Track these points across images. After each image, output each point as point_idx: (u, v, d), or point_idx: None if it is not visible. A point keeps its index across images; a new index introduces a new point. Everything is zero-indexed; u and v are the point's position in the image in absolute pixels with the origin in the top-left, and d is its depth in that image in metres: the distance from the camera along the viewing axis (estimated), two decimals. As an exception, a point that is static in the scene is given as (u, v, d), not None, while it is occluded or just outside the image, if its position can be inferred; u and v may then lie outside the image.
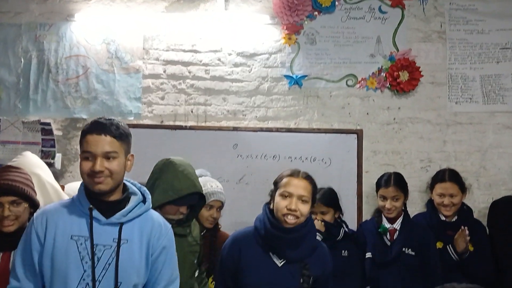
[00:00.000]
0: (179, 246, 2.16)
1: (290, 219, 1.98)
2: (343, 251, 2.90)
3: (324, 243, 2.80)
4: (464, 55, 3.56)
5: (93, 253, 1.71)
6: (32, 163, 2.27)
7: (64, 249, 1.71)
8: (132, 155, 1.86)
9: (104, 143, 1.73)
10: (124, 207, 1.80)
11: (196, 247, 2.33)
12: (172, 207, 2.21)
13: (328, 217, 2.94)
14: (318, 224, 2.89)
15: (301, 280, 1.96)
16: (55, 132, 3.38)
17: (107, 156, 1.73)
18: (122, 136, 1.78)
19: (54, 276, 1.70)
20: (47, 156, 3.29)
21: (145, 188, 1.93)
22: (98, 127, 1.75)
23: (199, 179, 2.86)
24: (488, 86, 3.54)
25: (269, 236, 2.01)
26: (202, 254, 2.45)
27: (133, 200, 1.84)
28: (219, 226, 2.84)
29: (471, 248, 2.85)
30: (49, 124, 3.35)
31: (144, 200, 1.89)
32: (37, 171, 2.25)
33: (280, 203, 2.01)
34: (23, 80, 3.43)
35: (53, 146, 3.34)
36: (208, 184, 2.77)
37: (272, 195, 2.10)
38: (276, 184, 2.11)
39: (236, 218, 3.23)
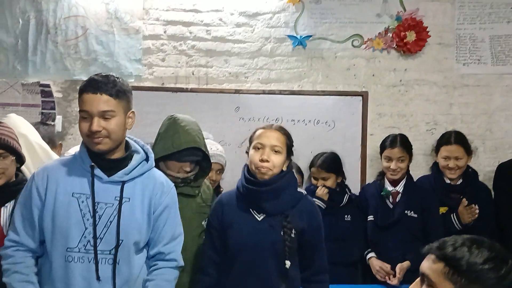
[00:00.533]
0: (187, 206, 2.19)
1: (262, 170, 1.98)
2: (345, 216, 2.92)
3: (327, 209, 2.84)
4: (473, 15, 3.47)
5: (94, 211, 1.71)
6: (17, 124, 2.20)
7: (65, 206, 1.71)
8: (133, 112, 1.82)
9: (100, 102, 1.69)
10: (127, 166, 1.79)
11: (205, 208, 2.31)
12: (174, 163, 2.19)
13: (329, 183, 2.94)
14: (321, 192, 2.89)
15: (282, 232, 1.96)
16: (55, 94, 3.36)
17: (104, 116, 1.69)
18: (119, 93, 1.72)
19: (55, 233, 1.70)
20: (47, 119, 3.29)
21: (148, 147, 1.92)
22: (94, 85, 1.70)
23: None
24: (498, 47, 3.46)
25: (246, 192, 2.02)
26: None
27: (136, 159, 1.83)
28: (221, 189, 2.84)
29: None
30: (48, 86, 3.33)
31: (147, 159, 1.87)
32: (23, 132, 2.18)
33: (254, 156, 2.01)
34: (22, 41, 3.37)
35: (53, 108, 3.33)
36: (208, 146, 2.76)
37: (248, 151, 2.11)
38: (250, 139, 2.11)
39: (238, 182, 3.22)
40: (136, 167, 1.81)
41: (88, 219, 1.71)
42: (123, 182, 1.77)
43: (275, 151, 1.99)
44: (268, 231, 1.99)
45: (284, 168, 2.05)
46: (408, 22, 3.40)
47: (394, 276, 2.64)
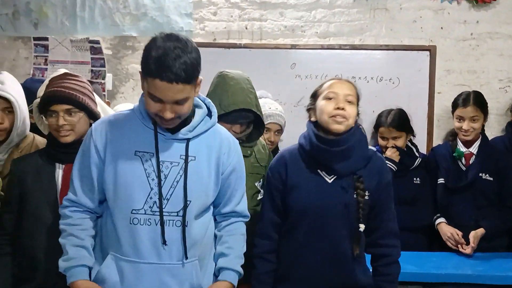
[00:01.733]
0: (244, 164, 2.08)
1: (339, 119, 1.84)
2: (414, 179, 2.78)
3: (396, 172, 2.70)
4: (555, -42, 3.19)
5: (159, 170, 1.62)
6: None
7: (128, 165, 1.62)
8: (201, 80, 1.65)
9: (175, 91, 1.52)
10: (190, 122, 1.69)
11: (259, 169, 2.22)
12: (223, 124, 2.04)
13: (400, 142, 2.79)
14: (392, 153, 2.75)
15: (355, 195, 1.85)
16: (105, 51, 3.32)
17: (178, 102, 1.56)
18: (193, 76, 1.55)
19: (117, 194, 1.62)
20: (97, 76, 3.25)
21: (209, 100, 1.81)
22: (168, 72, 1.49)
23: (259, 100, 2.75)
24: None
25: (315, 151, 1.87)
26: None
27: (199, 114, 1.72)
28: (278, 151, 2.73)
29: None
30: (98, 42, 3.29)
31: (209, 114, 1.77)
32: None
33: (327, 106, 1.86)
34: (69, -4, 3.34)
35: (103, 65, 3.29)
36: (267, 106, 2.65)
37: (311, 108, 1.96)
38: (315, 94, 1.96)
39: (295, 141, 3.10)
40: (199, 123, 1.71)
41: (153, 179, 1.61)
42: (188, 140, 1.67)
43: (348, 101, 1.87)
44: (340, 193, 1.86)
45: (353, 124, 1.91)
46: (483, -33, 3.14)
47: (467, 244, 2.50)
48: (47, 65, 3.30)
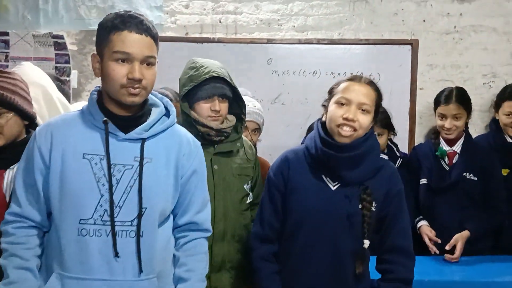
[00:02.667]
0: (226, 166, 2.00)
1: (346, 130, 1.71)
2: None
3: None
4: (539, -51, 3.14)
5: (110, 174, 1.49)
6: (35, 73, 2.01)
7: (75, 170, 1.49)
8: (157, 61, 1.60)
9: (143, 44, 1.47)
10: (145, 122, 1.57)
11: (247, 170, 2.09)
12: (201, 105, 1.98)
13: (382, 140, 2.69)
14: None
15: (360, 206, 1.72)
16: (69, 47, 3.18)
17: (146, 62, 1.49)
18: (157, 38, 1.54)
19: (64, 203, 1.49)
20: (61, 74, 3.11)
21: (167, 99, 1.69)
22: (137, 23, 1.47)
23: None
24: None
25: (321, 156, 1.75)
26: (258, 179, 2.19)
27: (155, 113, 1.61)
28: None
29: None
30: (62, 37, 3.15)
31: (167, 114, 1.66)
32: (42, 83, 2.00)
33: (335, 112, 1.73)
34: (31, -13, 3.20)
35: (68, 62, 3.16)
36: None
37: (326, 105, 1.82)
38: (331, 91, 1.82)
39: (271, 141, 3.05)
40: (156, 122, 1.59)
41: (103, 184, 1.48)
42: (143, 140, 1.55)
43: (362, 110, 1.72)
44: (344, 202, 1.73)
45: (367, 130, 1.78)
46: (466, -42, 3.06)
47: (451, 252, 2.41)
48: (8, 61, 3.14)
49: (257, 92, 3.12)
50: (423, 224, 2.59)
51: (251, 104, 2.56)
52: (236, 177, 2.02)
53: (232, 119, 2.08)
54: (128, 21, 1.46)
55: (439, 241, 2.47)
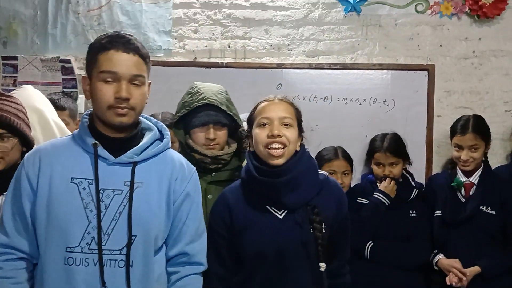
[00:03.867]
0: None
1: (276, 148, 1.70)
2: (410, 211, 2.58)
3: (391, 204, 2.54)
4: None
5: (98, 199, 1.47)
6: (33, 97, 2.05)
7: (62, 195, 1.47)
8: (150, 83, 1.61)
9: (131, 63, 1.49)
10: (137, 145, 1.56)
11: None
12: (197, 133, 1.96)
13: (397, 170, 2.63)
14: (388, 187, 2.57)
15: (311, 228, 1.68)
16: (77, 71, 3.21)
17: (133, 81, 1.50)
18: (147, 57, 1.56)
19: (50, 229, 1.46)
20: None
21: (161, 123, 1.68)
22: (125, 42, 1.50)
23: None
24: None
25: (258, 185, 1.73)
26: None
27: (148, 136, 1.60)
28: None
29: None
30: (69, 61, 3.19)
31: (161, 138, 1.65)
32: (38, 106, 2.03)
33: (260, 134, 1.73)
34: (41, 13, 3.25)
35: (75, 86, 3.19)
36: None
37: (249, 135, 1.83)
38: (250, 119, 1.83)
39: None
40: (148, 146, 1.58)
41: (91, 210, 1.46)
42: (135, 163, 1.53)
43: (285, 124, 1.73)
44: (295, 229, 1.70)
45: (298, 148, 1.78)
46: (485, -20, 3.01)
47: None
48: (16, 86, 3.19)
49: (266, 118, 3.10)
50: (440, 257, 2.50)
51: None
52: None
53: (234, 145, 2.05)
54: (115, 41, 1.49)
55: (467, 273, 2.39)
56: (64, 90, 3.17)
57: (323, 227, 1.69)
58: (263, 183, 1.72)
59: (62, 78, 3.19)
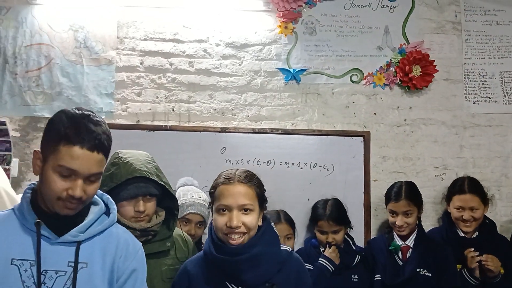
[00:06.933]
0: (155, 269, 1.93)
1: (235, 238, 1.74)
2: (352, 276, 2.74)
3: (334, 271, 2.66)
4: (481, 48, 3.49)
5: (40, 282, 1.46)
6: None
7: (2, 278, 1.45)
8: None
9: (93, 162, 1.47)
10: (82, 221, 1.56)
11: None
12: (125, 206, 1.91)
13: (340, 236, 2.79)
14: (332, 254, 2.72)
15: None
16: (12, 133, 3.19)
17: (90, 179, 1.49)
18: (109, 150, 1.55)
19: None
20: (1, 161, 3.09)
21: (108, 196, 1.68)
22: (91, 139, 1.46)
23: (182, 188, 2.68)
24: (509, 83, 3.48)
25: (217, 262, 1.76)
26: None
27: (93, 212, 1.60)
28: (202, 245, 2.65)
29: (502, 271, 2.71)
30: (4, 123, 3.16)
31: (107, 212, 1.65)
32: None
33: (218, 221, 1.75)
34: (-25, 72, 3.24)
35: (9, 149, 3.15)
36: (189, 194, 2.58)
37: (211, 209, 1.87)
38: (211, 194, 1.85)
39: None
40: (94, 222, 1.58)
41: None
42: (79, 242, 1.53)
43: (245, 210, 1.75)
44: None
45: (260, 223, 1.81)
46: (413, 55, 3.37)
47: None
48: None
49: (210, 181, 3.10)
50: None
51: (196, 195, 2.57)
52: (165, 282, 1.95)
53: (162, 213, 2.03)
54: (82, 136, 1.45)
55: None
56: (-3, 152, 3.14)
57: None
58: (221, 261, 1.75)
59: (-4, 140, 3.16)
